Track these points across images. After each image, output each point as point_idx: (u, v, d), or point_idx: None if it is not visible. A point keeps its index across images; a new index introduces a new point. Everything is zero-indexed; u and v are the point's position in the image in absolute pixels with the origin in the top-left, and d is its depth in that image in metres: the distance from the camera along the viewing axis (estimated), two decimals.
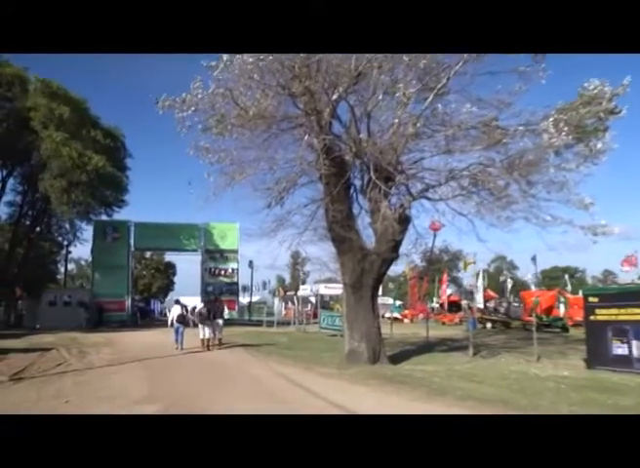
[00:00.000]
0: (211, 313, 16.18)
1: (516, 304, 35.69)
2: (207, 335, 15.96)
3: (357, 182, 12.70)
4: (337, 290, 38.56)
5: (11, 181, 30.49)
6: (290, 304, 48.03)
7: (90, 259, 39.23)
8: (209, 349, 15.66)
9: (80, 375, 10.56)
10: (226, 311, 17.68)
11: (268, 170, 11.64)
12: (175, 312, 16.68)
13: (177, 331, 16.06)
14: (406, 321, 42.52)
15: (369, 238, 12.78)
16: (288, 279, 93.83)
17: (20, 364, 12.07)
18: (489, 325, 30.57)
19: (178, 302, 17.69)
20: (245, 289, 50.78)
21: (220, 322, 16.55)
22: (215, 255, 34.83)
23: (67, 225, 33.60)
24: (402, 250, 12.61)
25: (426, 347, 16.83)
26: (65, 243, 36.63)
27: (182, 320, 16.28)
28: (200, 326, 16.07)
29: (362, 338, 12.04)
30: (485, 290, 45.74)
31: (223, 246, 34.78)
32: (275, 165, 11.56)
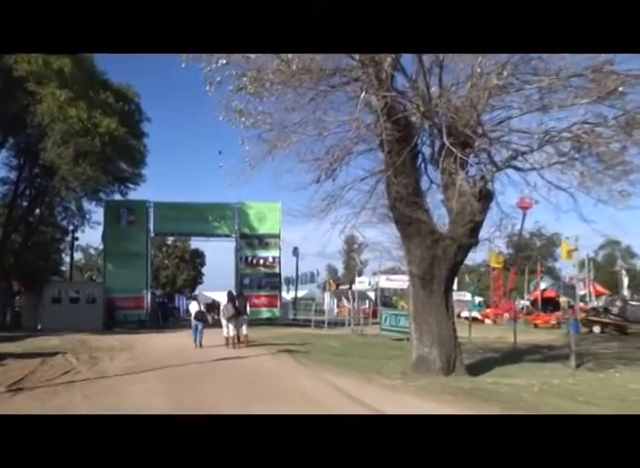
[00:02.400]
0: (236, 309, 18.69)
1: (635, 303, 34.69)
2: (231, 333, 18.40)
3: (426, 150, 12.69)
4: (401, 283, 38.51)
5: (3, 154, 30.68)
6: (343, 300, 48.36)
7: (101, 247, 40.26)
8: (234, 347, 17.99)
9: (91, 386, 10.95)
10: (248, 308, 19.81)
11: (317, 136, 11.75)
12: (193, 309, 19.70)
13: (195, 330, 18.81)
14: (488, 322, 42.23)
15: (441, 219, 12.79)
16: (341, 269, 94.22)
17: (20, 372, 12.54)
18: (597, 328, 29.88)
19: (195, 298, 21.10)
20: (289, 281, 51.44)
21: (245, 318, 18.95)
22: (252, 241, 35.35)
23: (73, 206, 33.48)
24: (482, 233, 12.57)
25: (514, 355, 16.72)
26: (71, 228, 36.97)
27: (201, 317, 19.13)
28: (224, 322, 18.48)
29: (433, 343, 12.13)
30: (591, 284, 44.68)
31: (262, 230, 35.24)
32: (325, 129, 11.66)
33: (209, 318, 19.17)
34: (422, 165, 12.74)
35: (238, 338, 18.59)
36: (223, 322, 18.64)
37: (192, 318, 19.34)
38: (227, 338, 18.45)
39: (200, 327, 18.87)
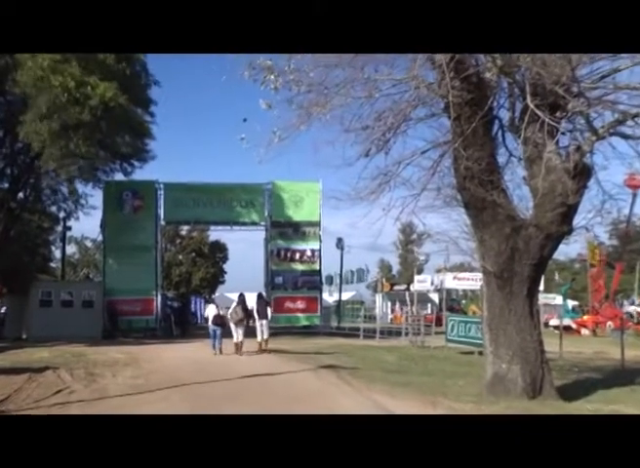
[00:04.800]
0: (247, 313, 21.93)
1: None
2: (240, 338, 21.39)
3: (504, 115, 12.58)
4: (472, 282, 38.39)
5: None
6: (399, 304, 48.37)
7: (99, 239, 40.82)
8: (240, 354, 21.02)
9: (89, 408, 11.16)
10: (269, 312, 22.56)
11: (365, 98, 11.75)
12: (210, 313, 22.71)
13: (214, 335, 21.62)
14: (585, 332, 41.75)
15: (523, 201, 12.69)
16: (396, 266, 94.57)
17: (1, 391, 12.85)
18: None
19: (213, 302, 25.17)
20: (331, 281, 51.56)
21: (265, 323, 21.88)
22: (285, 231, 35.66)
23: (65, 189, 34.21)
24: (578, 220, 12.40)
25: (621, 376, 16.54)
26: (62, 215, 37.56)
27: (220, 321, 21.91)
28: (233, 327, 21.48)
29: (513, 358, 12.07)
30: None
31: (298, 216, 35.54)
32: (376, 90, 11.65)
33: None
34: (499, 134, 12.64)
35: (241, 345, 21.41)
36: (232, 326, 21.59)
37: (210, 323, 22.22)
38: (237, 344, 21.40)
39: (219, 332, 21.70)
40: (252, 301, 23.10)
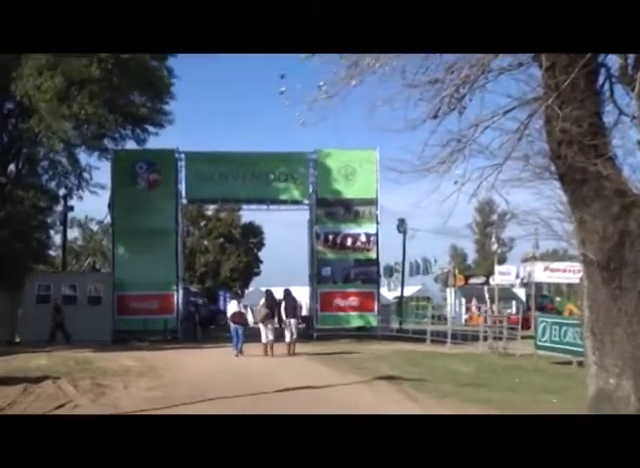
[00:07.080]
0: (276, 311, 24.10)
1: None
2: (270, 338, 23.67)
3: (613, 62, 12.31)
4: (568, 274, 38.04)
5: None
6: (476, 302, 48.17)
7: (108, 221, 41.11)
8: (272, 355, 23.24)
9: None
10: (302, 312, 24.64)
11: None
12: (231, 310, 25.14)
13: (235, 335, 24.04)
14: None
15: (637, 172, 12.43)
16: (472, 254, 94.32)
17: None
18: None
19: (235, 297, 27.87)
20: (391, 272, 51.39)
21: (293, 323, 24.13)
22: (335, 211, 35.56)
23: (65, 160, 33.43)
24: None
25: None
26: (63, 192, 37.38)
27: (238, 319, 24.32)
28: (261, 326, 23.74)
29: (624, 371, 11.85)
30: None
31: (350, 193, 35.36)
32: None
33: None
34: (606, 86, 12.38)
35: (272, 346, 23.63)
36: (260, 326, 23.96)
37: (230, 321, 24.75)
38: (265, 345, 23.70)
39: (240, 331, 24.16)
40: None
